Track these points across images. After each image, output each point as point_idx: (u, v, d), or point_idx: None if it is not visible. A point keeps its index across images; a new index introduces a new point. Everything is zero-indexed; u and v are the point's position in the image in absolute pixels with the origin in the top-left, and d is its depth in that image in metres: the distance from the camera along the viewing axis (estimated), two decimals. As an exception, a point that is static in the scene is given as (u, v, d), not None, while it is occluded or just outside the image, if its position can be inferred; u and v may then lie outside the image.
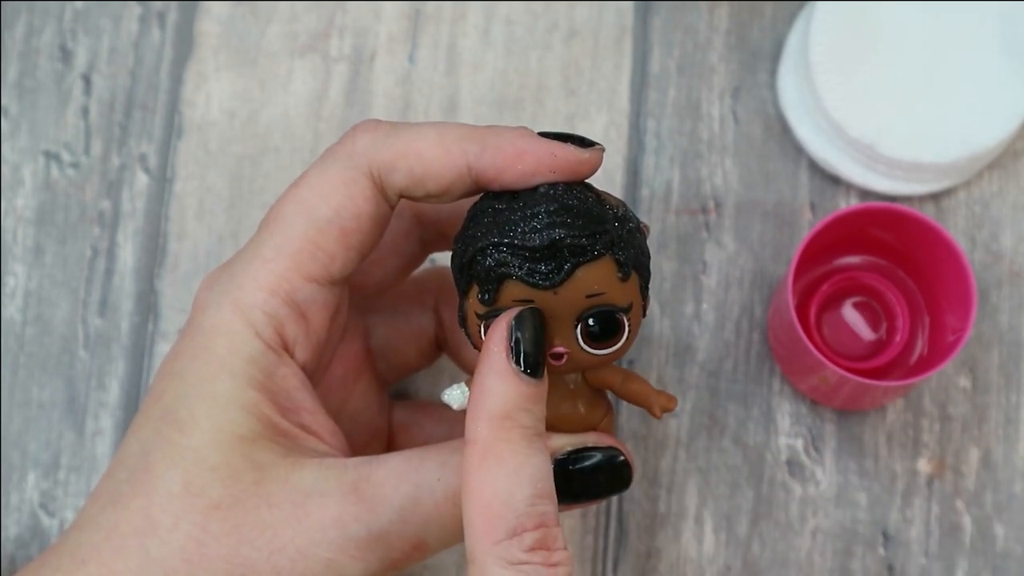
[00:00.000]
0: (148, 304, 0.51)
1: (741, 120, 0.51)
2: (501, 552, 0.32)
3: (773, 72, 0.52)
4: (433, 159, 0.36)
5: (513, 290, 0.35)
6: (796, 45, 0.51)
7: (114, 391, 0.50)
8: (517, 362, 0.34)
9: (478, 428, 0.34)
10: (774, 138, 0.51)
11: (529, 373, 0.34)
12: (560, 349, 0.35)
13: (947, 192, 0.51)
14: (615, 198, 0.37)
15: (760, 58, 0.52)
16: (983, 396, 0.49)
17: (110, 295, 0.51)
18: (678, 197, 0.51)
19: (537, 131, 0.36)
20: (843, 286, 0.49)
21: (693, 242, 0.51)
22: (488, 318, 0.35)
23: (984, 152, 0.49)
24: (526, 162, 0.35)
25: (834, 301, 0.49)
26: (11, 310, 0.51)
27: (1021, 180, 0.51)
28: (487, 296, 0.35)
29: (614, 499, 0.48)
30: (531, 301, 0.35)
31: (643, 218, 0.50)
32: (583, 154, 0.36)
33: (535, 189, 0.36)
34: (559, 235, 0.34)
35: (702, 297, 0.50)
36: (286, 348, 0.37)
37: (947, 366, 0.47)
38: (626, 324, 0.35)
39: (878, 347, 0.48)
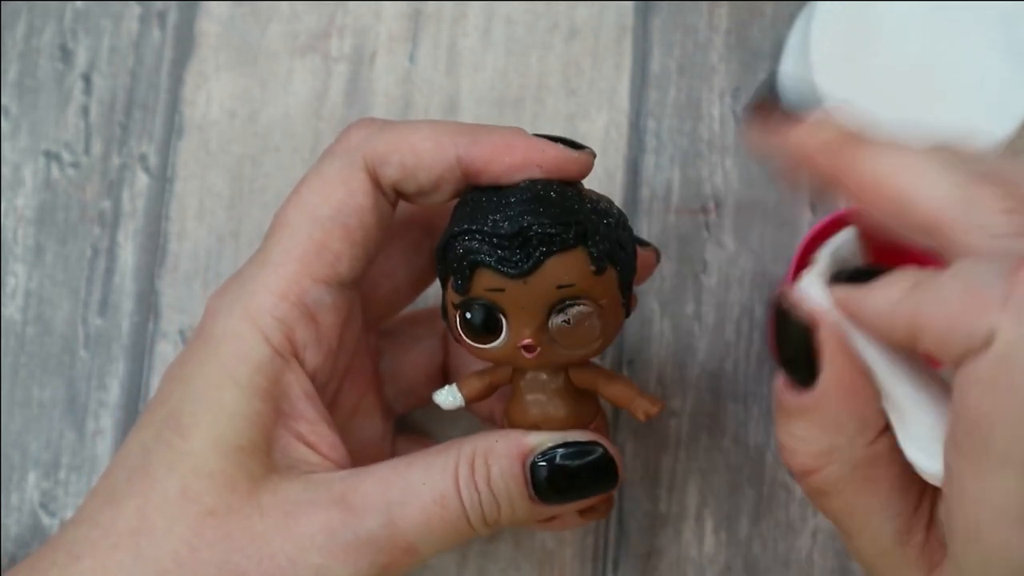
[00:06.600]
0: (148, 304, 0.51)
1: (742, 120, 0.51)
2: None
3: (773, 72, 0.52)
4: (424, 151, 0.37)
5: (485, 279, 0.35)
6: (796, 45, 0.51)
7: (114, 391, 0.50)
8: None
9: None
10: (774, 138, 0.51)
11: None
12: (529, 341, 0.35)
13: (947, 192, 0.51)
14: (605, 197, 0.36)
15: (760, 58, 0.52)
16: (983, 396, 0.49)
17: (110, 295, 0.51)
18: (678, 197, 0.51)
19: (533, 132, 0.37)
20: (843, 286, 0.49)
21: (693, 242, 0.51)
22: (462, 308, 0.35)
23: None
24: (514, 154, 0.36)
25: (834, 301, 0.49)
26: (11, 310, 0.51)
27: (1021, 180, 0.51)
28: (460, 283, 0.35)
29: (615, 499, 0.48)
30: (503, 290, 0.34)
31: (643, 218, 0.50)
32: (572, 153, 0.36)
33: (518, 184, 0.36)
34: (527, 223, 0.34)
35: (702, 297, 0.50)
36: (295, 354, 0.37)
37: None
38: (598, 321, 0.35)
39: (878, 347, 0.48)
